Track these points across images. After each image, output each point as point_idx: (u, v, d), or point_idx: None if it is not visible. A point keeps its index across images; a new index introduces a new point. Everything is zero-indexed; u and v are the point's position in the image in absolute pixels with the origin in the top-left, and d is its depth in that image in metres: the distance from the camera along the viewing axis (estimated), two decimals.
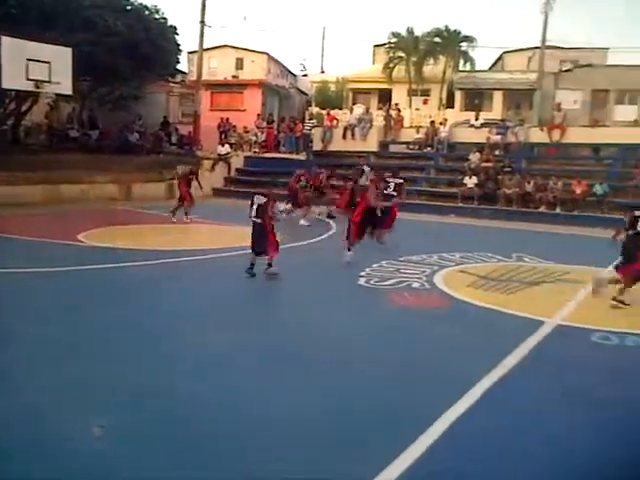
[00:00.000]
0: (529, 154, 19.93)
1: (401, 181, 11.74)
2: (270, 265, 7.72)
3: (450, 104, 31.86)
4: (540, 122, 22.65)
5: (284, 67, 37.71)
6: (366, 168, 16.30)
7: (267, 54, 35.04)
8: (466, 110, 29.62)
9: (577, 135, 19.80)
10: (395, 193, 11.36)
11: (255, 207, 7.70)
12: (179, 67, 26.52)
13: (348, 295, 7.41)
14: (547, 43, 27.21)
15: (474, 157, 18.93)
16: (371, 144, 21.72)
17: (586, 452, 3.50)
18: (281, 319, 6.29)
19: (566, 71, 30.67)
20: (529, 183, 17.10)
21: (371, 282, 7.83)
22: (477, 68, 34.07)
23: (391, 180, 11.65)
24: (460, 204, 17.52)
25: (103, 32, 17.98)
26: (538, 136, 20.15)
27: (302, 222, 13.71)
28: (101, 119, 22.55)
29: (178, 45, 22.85)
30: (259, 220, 7.66)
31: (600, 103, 29.22)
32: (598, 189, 16.29)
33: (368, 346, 5.37)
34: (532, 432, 3.74)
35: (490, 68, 37.11)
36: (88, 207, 15.23)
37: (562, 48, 32.69)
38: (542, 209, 16.66)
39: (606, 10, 78.55)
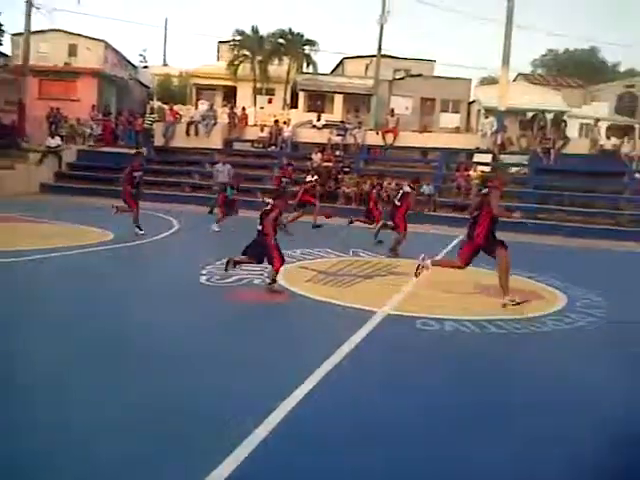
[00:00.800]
0: (366, 155, 21.13)
1: (408, 190, 11.44)
2: (274, 281, 7.33)
3: (294, 104, 32.64)
4: (376, 126, 24.12)
5: (123, 57, 35.86)
6: (227, 166, 16.15)
7: (104, 42, 33.06)
8: (309, 111, 30.56)
9: (408, 139, 21.45)
10: (399, 203, 11.20)
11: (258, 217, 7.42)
12: (2, 50, 24.03)
13: (188, 293, 7.28)
14: (383, 52, 28.98)
15: (316, 157, 19.63)
16: (215, 141, 21.53)
17: (415, 433, 3.79)
18: (110, 319, 5.94)
19: (399, 79, 32.97)
20: (366, 183, 18.12)
21: (212, 280, 7.78)
22: (320, 71, 35.31)
23: (403, 188, 11.53)
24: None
25: None
26: (374, 139, 21.46)
27: (213, 227, 12.50)
28: None
29: (0, 25, 20.69)
30: (259, 227, 7.35)
31: (428, 110, 31.87)
32: (426, 189, 17.76)
33: (203, 343, 5.31)
34: (366, 417, 3.95)
35: (332, 72, 38.64)
36: None
37: (396, 57, 35.05)
38: None
39: (435, 26, 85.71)
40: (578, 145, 20.40)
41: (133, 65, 37.14)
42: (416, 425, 3.87)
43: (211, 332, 5.74)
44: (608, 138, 20.73)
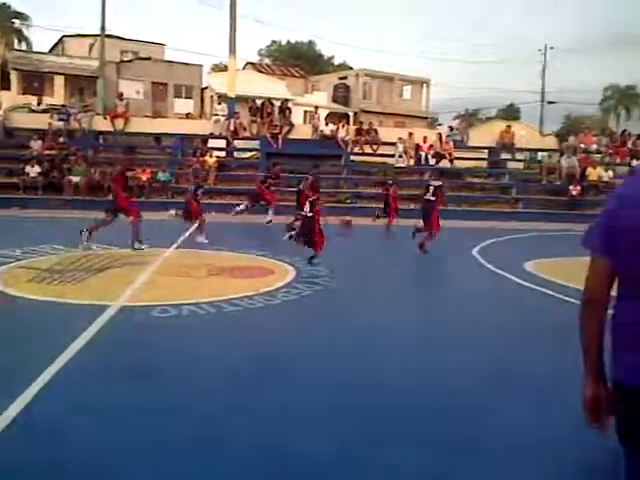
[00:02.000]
0: (95, 142, 19.83)
1: (440, 183, 10.96)
2: (313, 257, 8.96)
3: (5, 86, 28.91)
4: (105, 110, 22.76)
5: None
6: None
7: None
8: (25, 93, 27.47)
9: (141, 125, 20.73)
10: (434, 198, 10.79)
11: (308, 204, 8.92)
12: None
13: None
14: (107, 32, 27.30)
15: (36, 144, 17.79)
16: None
17: (149, 420, 3.75)
18: None
19: (127, 62, 31.58)
20: (95, 172, 17.07)
21: None
22: (35, 49, 31.85)
23: (431, 183, 11.07)
24: (23, 195, 16.22)
25: None
26: (103, 124, 20.23)
27: (199, 239, 10.94)
28: None
29: None
30: (310, 214, 8.94)
31: (161, 95, 31.26)
32: (161, 176, 17.50)
33: None
34: (95, 413, 3.80)
35: (50, 51, 35.19)
36: None
37: (122, 38, 33.45)
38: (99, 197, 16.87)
39: (164, 9, 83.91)
40: (302, 131, 22.13)
41: None
42: (149, 412, 3.85)
43: None
44: (327, 124, 22.89)
